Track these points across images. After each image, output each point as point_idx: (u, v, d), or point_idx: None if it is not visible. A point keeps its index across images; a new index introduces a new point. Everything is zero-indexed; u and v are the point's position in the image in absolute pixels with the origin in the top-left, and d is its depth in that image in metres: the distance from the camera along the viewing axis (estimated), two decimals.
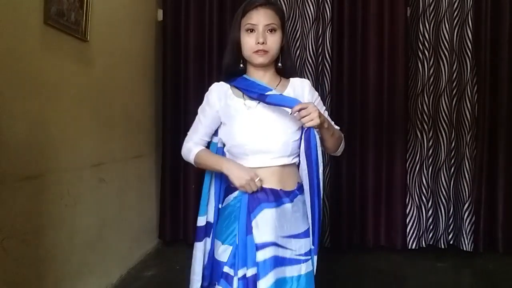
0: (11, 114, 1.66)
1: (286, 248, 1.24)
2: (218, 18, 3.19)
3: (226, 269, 1.25)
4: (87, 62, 2.26)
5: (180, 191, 3.24)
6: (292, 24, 3.31)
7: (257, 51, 1.25)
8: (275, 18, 1.26)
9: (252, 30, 1.25)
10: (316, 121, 1.16)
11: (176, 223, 3.24)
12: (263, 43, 1.23)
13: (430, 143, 3.19)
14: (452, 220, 3.23)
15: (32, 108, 1.80)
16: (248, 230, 1.23)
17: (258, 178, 1.23)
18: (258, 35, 1.23)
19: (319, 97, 1.39)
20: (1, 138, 1.61)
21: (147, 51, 3.16)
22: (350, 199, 3.21)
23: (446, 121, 3.19)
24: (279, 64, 1.33)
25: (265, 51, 1.25)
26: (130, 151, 2.81)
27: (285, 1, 3.30)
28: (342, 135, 1.36)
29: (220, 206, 1.39)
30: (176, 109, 3.20)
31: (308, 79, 3.23)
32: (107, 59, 2.47)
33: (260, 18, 1.24)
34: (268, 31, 1.25)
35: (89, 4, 2.17)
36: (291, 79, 1.37)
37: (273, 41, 1.26)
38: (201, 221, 1.38)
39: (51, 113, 1.93)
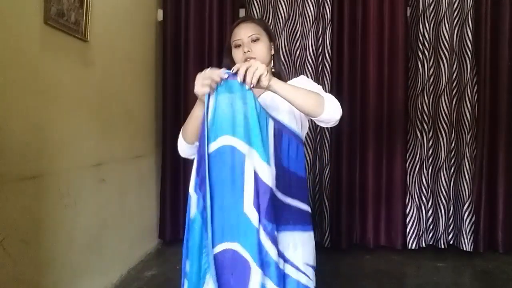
0: (11, 114, 1.67)
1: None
2: (218, 18, 3.19)
3: None
4: (87, 62, 2.26)
5: (180, 191, 3.23)
6: (292, 24, 3.31)
7: (245, 60, 1.33)
8: (256, 28, 1.37)
9: (239, 45, 1.36)
10: (254, 77, 1.06)
11: (176, 223, 3.24)
12: (248, 51, 1.33)
13: (430, 143, 3.19)
14: (452, 220, 3.23)
15: (32, 108, 1.80)
16: None
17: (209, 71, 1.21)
18: (243, 46, 1.34)
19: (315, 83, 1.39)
20: (1, 138, 1.61)
21: (147, 51, 3.16)
22: (350, 199, 3.20)
23: (446, 121, 3.19)
24: (273, 70, 1.40)
25: (252, 58, 1.33)
26: (130, 151, 2.81)
27: (285, 1, 3.30)
28: (322, 99, 1.18)
29: None
30: (176, 109, 3.20)
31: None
32: (107, 59, 2.47)
33: (242, 32, 1.35)
34: (252, 41, 1.35)
35: (89, 4, 2.17)
36: (289, 81, 1.40)
37: (258, 49, 1.34)
38: None
39: (51, 113, 1.93)
